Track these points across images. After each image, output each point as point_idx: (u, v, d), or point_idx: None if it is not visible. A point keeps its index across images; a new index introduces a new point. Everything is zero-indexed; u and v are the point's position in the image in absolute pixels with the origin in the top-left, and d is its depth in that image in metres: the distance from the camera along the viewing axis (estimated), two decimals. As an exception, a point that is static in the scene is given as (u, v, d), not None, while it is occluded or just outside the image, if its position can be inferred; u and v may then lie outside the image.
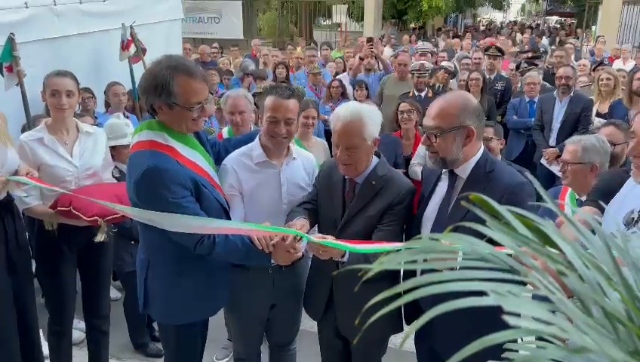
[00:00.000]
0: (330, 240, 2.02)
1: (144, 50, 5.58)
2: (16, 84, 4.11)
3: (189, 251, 2.05)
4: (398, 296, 0.60)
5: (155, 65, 1.99)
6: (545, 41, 15.89)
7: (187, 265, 2.14)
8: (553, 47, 11.90)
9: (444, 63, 6.80)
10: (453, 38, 14.06)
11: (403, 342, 0.67)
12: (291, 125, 2.30)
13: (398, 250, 0.67)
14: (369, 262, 1.88)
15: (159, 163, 1.92)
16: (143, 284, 2.21)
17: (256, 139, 2.40)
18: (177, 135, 2.04)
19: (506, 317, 0.51)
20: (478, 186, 1.88)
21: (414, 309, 2.18)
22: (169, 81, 1.91)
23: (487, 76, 6.32)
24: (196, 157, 2.08)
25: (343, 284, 2.16)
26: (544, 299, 0.60)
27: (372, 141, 2.12)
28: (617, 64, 8.79)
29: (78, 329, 3.37)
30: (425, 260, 0.68)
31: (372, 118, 2.11)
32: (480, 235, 0.71)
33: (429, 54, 7.89)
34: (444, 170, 2.08)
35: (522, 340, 0.66)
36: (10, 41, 4.05)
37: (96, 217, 2.56)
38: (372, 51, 6.95)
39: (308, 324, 2.85)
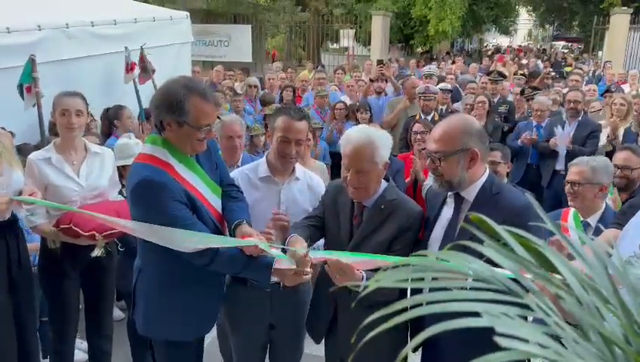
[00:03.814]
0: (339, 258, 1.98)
1: (153, 71, 5.69)
2: (33, 105, 4.19)
3: (178, 268, 2.06)
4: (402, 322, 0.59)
5: (171, 83, 2.04)
6: (539, 63, 15.93)
7: (173, 280, 2.13)
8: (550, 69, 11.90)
9: (441, 85, 6.84)
10: (453, 62, 14.20)
11: (400, 358, 0.65)
12: (301, 146, 2.37)
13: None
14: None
15: (154, 176, 1.96)
16: (133, 289, 2.25)
17: (264, 155, 2.48)
18: (178, 154, 2.07)
19: (497, 339, 0.50)
20: (484, 208, 1.85)
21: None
22: (183, 99, 1.95)
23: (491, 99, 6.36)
24: (192, 178, 2.09)
25: (348, 308, 2.12)
26: (543, 322, 0.60)
27: (383, 165, 2.11)
28: (624, 89, 8.81)
29: (81, 349, 3.35)
30: (435, 278, 0.68)
31: (383, 141, 2.11)
32: (482, 257, 0.70)
33: (435, 78, 7.95)
34: (449, 193, 2.06)
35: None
36: (31, 62, 4.13)
37: (93, 232, 2.57)
38: (382, 74, 7.00)
39: (312, 348, 2.81)
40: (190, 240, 1.97)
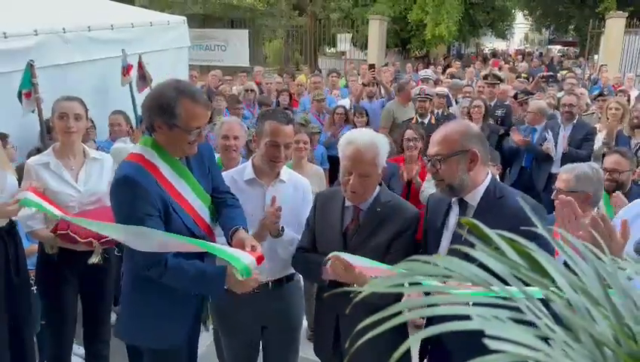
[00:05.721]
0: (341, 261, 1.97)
1: (151, 80, 5.70)
2: (32, 111, 4.20)
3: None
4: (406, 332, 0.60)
5: (162, 86, 2.04)
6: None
7: (146, 285, 2.08)
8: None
9: (436, 89, 6.87)
10: (448, 67, 14.22)
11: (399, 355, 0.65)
12: (289, 149, 2.42)
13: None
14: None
15: (134, 175, 1.95)
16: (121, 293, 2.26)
17: (250, 160, 2.51)
18: (167, 157, 2.06)
19: (487, 341, 0.51)
20: (490, 213, 1.86)
21: (429, 345, 2.14)
22: (174, 102, 1.95)
23: (487, 103, 6.40)
24: (178, 183, 2.08)
25: (351, 321, 2.11)
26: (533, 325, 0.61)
27: (382, 169, 2.13)
28: (629, 93, 8.84)
29: (78, 355, 3.34)
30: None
31: (384, 146, 2.12)
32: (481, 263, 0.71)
33: (432, 81, 7.98)
34: (453, 199, 2.04)
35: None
36: (30, 67, 4.14)
37: (90, 239, 2.58)
38: (374, 77, 7.05)
39: (309, 352, 2.81)
40: (157, 240, 1.92)
